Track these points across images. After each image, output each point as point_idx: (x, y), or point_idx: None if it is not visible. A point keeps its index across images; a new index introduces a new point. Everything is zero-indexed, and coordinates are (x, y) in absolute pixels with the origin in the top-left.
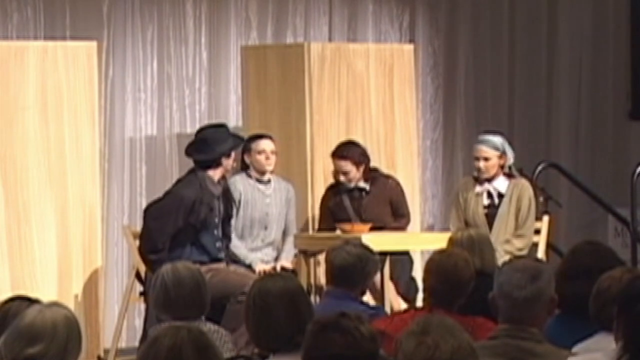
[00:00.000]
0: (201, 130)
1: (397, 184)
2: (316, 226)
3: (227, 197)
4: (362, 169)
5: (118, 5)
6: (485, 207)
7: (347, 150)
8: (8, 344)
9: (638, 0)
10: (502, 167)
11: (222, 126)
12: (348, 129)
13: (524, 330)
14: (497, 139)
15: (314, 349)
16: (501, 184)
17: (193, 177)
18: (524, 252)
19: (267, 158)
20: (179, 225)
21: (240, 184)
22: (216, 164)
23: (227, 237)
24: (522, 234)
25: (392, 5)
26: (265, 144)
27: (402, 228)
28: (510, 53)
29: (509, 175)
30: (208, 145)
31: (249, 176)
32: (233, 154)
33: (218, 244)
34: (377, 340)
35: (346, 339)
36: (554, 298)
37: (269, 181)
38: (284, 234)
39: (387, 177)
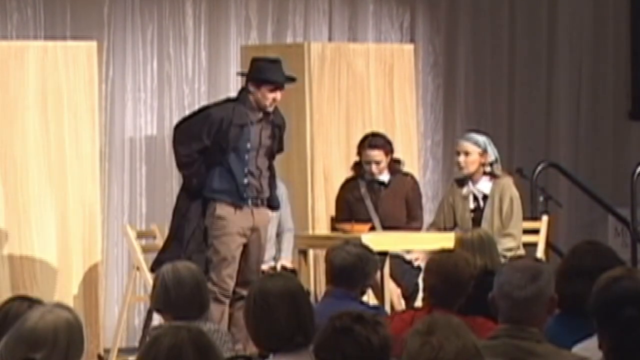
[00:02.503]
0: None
1: (415, 182)
2: (315, 225)
3: (278, 133)
4: (389, 158)
5: (118, 5)
6: (471, 210)
7: (377, 140)
8: (9, 348)
9: (638, 0)
10: (483, 165)
11: (277, 61)
12: (348, 129)
13: (523, 330)
14: (480, 137)
15: (324, 348)
16: (485, 185)
17: (233, 100)
18: (514, 252)
19: None
20: (205, 143)
21: None
22: (259, 82)
23: (272, 174)
24: (509, 232)
25: (392, 5)
26: None
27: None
28: (510, 53)
29: (493, 176)
30: (260, 71)
31: None
32: (279, 94)
33: (246, 170)
34: (388, 350)
35: (354, 348)
36: (554, 298)
37: None
38: (279, 231)
39: (406, 174)
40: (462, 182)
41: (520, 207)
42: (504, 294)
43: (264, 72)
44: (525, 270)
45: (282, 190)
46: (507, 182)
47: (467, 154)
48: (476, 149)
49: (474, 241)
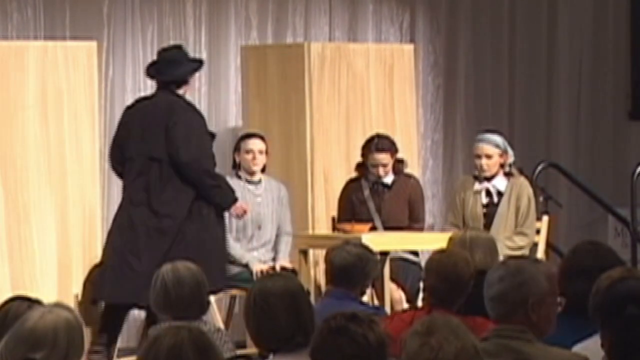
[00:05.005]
0: (163, 51)
1: (418, 184)
2: (315, 225)
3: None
4: (394, 158)
5: (118, 5)
6: (483, 205)
7: (384, 143)
8: (9, 348)
9: (638, 0)
10: (502, 165)
11: (180, 47)
12: (348, 129)
13: (512, 330)
14: (498, 137)
15: (321, 350)
16: (500, 182)
17: (182, 100)
18: (525, 250)
19: (254, 158)
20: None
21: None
22: (185, 82)
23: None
24: (523, 231)
25: (392, 5)
26: (253, 144)
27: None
28: (510, 53)
29: (508, 174)
30: (175, 65)
31: (239, 177)
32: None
33: None
34: (386, 347)
35: (352, 347)
36: (540, 300)
37: (259, 181)
38: (277, 233)
39: (409, 175)
40: (476, 177)
41: (535, 207)
42: (485, 292)
43: (188, 58)
44: (503, 269)
45: (283, 193)
46: (524, 181)
47: (488, 157)
48: (497, 151)
49: (457, 240)
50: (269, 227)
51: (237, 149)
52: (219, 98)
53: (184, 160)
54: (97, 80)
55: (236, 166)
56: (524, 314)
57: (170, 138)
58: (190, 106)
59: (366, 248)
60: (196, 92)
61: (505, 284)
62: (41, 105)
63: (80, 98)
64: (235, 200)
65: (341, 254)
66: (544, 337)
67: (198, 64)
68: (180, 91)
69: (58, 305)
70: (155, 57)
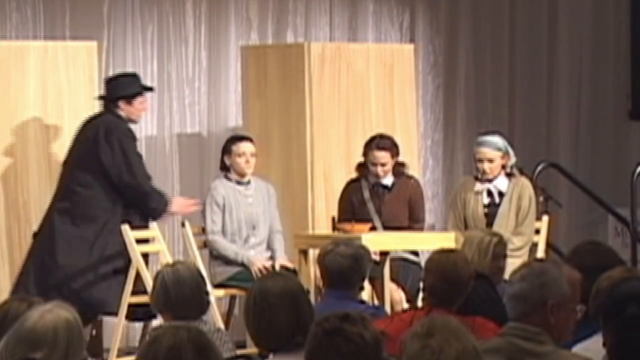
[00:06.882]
0: (119, 77)
1: (418, 185)
2: (315, 225)
3: None
4: (394, 160)
5: (118, 5)
6: (485, 206)
7: (385, 142)
8: (9, 349)
9: (638, 0)
10: (504, 166)
11: (133, 75)
12: (348, 129)
13: (526, 330)
14: (499, 139)
15: (317, 353)
16: (502, 182)
17: (95, 116)
18: (525, 250)
19: (247, 161)
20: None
21: (222, 189)
22: (127, 101)
23: None
24: (521, 231)
25: (392, 5)
26: (246, 147)
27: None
28: (510, 53)
29: (509, 174)
30: (118, 86)
31: (229, 179)
32: (137, 103)
33: None
34: (381, 344)
35: (349, 346)
36: (560, 303)
37: (248, 182)
38: (269, 233)
39: (409, 177)
40: (477, 177)
41: (535, 207)
42: (506, 290)
43: (133, 85)
44: (527, 269)
45: (271, 192)
46: (525, 181)
47: (490, 160)
48: (498, 154)
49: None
50: (263, 226)
51: (227, 151)
52: (219, 98)
53: (126, 179)
54: (97, 80)
55: (225, 168)
56: (542, 316)
57: (100, 152)
58: (118, 123)
59: (357, 246)
60: (196, 91)
61: (526, 283)
62: (41, 105)
63: (80, 98)
64: None
65: (335, 258)
66: (562, 341)
67: (140, 89)
68: (121, 112)
69: (58, 305)
70: (155, 57)
